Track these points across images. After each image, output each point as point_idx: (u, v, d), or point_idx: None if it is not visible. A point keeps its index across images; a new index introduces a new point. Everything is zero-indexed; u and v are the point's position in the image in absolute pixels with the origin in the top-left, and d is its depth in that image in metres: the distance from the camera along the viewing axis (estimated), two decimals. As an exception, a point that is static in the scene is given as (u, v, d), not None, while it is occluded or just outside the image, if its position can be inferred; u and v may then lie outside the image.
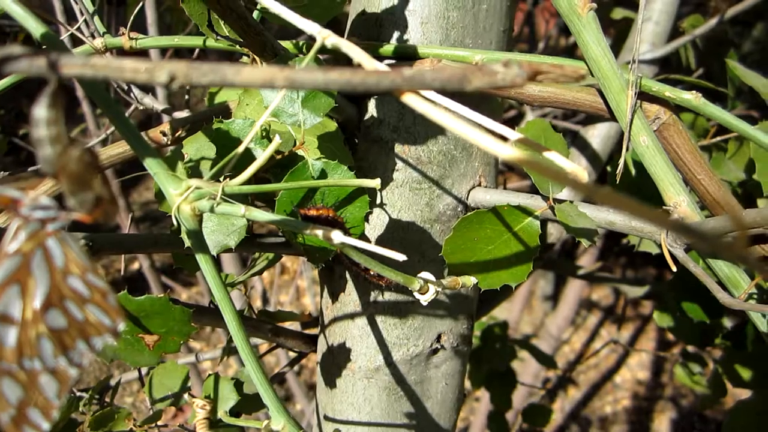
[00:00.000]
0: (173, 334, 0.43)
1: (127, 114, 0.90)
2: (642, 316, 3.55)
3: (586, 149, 0.89)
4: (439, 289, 0.45)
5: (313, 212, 0.42)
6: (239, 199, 0.39)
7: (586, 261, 2.30)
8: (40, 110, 0.21)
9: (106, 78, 0.22)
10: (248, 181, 0.40)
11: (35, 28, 0.38)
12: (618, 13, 1.05)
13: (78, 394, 0.89)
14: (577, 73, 0.25)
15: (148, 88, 0.82)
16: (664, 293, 0.93)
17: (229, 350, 0.81)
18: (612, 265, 3.45)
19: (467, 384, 1.35)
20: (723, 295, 0.44)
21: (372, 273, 0.47)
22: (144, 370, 0.95)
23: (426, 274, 0.44)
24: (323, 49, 0.55)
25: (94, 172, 0.22)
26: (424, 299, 0.45)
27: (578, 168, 0.30)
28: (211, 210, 0.38)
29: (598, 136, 0.90)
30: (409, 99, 0.25)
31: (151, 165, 0.38)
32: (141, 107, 0.77)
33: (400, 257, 0.36)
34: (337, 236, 0.37)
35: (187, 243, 0.47)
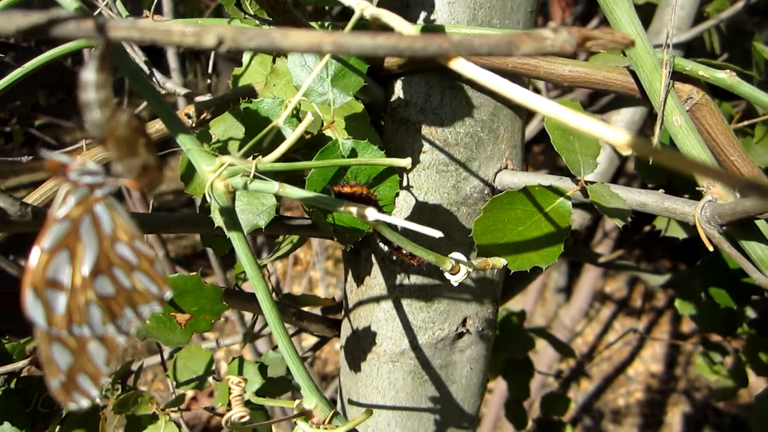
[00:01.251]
0: (205, 312, 0.43)
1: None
2: (656, 309, 3.54)
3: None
4: (470, 270, 0.44)
5: (347, 189, 0.42)
6: (270, 177, 0.39)
7: (602, 251, 2.29)
8: (89, 74, 0.21)
9: (153, 42, 0.22)
10: (279, 160, 0.40)
11: (69, 3, 0.37)
12: (640, -2, 1.03)
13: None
14: (626, 39, 0.24)
15: (167, 73, 0.81)
16: (688, 281, 0.92)
17: (251, 336, 0.81)
18: (627, 257, 3.43)
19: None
20: (758, 275, 0.44)
21: (404, 252, 0.47)
22: (166, 355, 0.96)
23: (457, 255, 0.44)
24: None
25: (142, 138, 0.22)
26: (455, 279, 0.44)
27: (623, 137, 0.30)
28: (245, 187, 0.38)
29: (622, 121, 0.89)
30: (458, 65, 0.24)
31: (185, 142, 0.37)
32: (163, 91, 0.77)
33: (436, 234, 0.36)
34: (372, 213, 0.37)
35: (218, 222, 0.47)
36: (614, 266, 1.01)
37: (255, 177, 0.38)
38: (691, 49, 0.98)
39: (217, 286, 0.45)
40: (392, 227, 0.40)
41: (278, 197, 0.48)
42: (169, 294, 0.26)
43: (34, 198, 0.45)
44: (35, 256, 0.24)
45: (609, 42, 0.24)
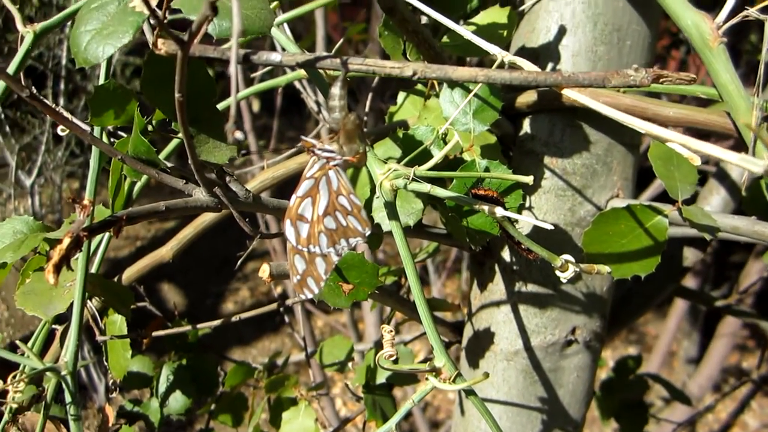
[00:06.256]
0: (364, 285, 0.56)
1: (316, 130, 1.07)
2: (800, 389, 3.27)
3: (725, 179, 0.93)
4: (577, 269, 0.54)
5: (481, 192, 0.54)
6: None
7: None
8: (336, 89, 0.35)
9: (374, 72, 0.35)
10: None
11: (292, 47, 0.53)
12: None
13: (254, 365, 1.06)
14: (689, 76, 0.35)
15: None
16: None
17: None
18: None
19: (597, 414, 1.37)
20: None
21: (523, 247, 0.57)
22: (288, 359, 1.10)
23: (566, 256, 0.54)
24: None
25: (361, 132, 0.36)
26: (564, 276, 0.54)
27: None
28: (405, 187, 0.51)
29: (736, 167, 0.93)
30: (567, 92, 0.36)
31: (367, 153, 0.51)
32: (327, 125, 0.94)
33: (549, 226, 0.46)
34: (500, 210, 0.49)
35: (377, 219, 0.61)
36: (731, 311, 1.04)
37: (413, 180, 0.51)
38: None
39: (375, 264, 0.58)
40: (516, 227, 0.51)
41: (424, 204, 0.61)
42: (368, 231, 0.39)
43: (251, 186, 0.61)
44: (293, 201, 0.38)
45: (676, 79, 0.35)
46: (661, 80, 0.35)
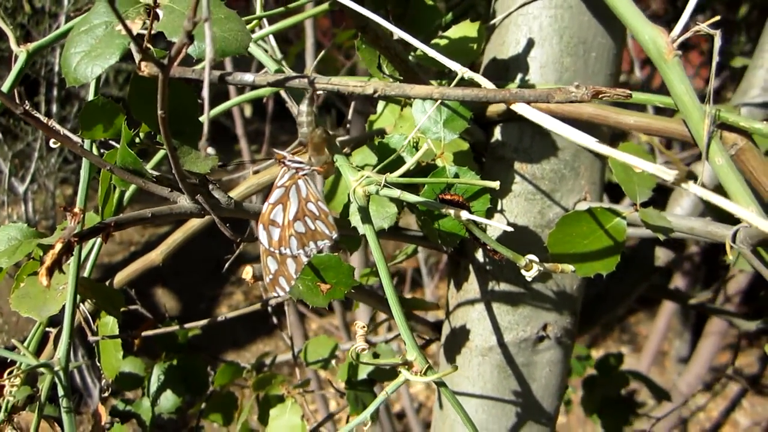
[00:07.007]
0: (341, 285, 0.59)
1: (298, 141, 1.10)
2: (789, 387, 3.32)
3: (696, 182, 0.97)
4: (541, 268, 0.58)
5: (448, 196, 0.57)
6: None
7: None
8: (303, 106, 0.38)
9: (339, 90, 0.39)
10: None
11: (271, 65, 0.56)
12: (738, 62, 1.12)
13: (242, 364, 1.09)
14: (625, 92, 0.38)
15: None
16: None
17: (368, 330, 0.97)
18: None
19: (581, 412, 1.41)
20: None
21: (489, 248, 0.61)
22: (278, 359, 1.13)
23: (531, 256, 0.57)
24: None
25: (328, 144, 0.39)
26: (529, 275, 0.58)
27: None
28: (377, 192, 0.54)
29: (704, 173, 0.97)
30: (516, 107, 0.39)
31: (340, 161, 0.55)
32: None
33: (508, 228, 0.50)
34: (465, 214, 0.52)
35: (354, 223, 0.64)
36: (704, 309, 1.07)
37: (384, 186, 0.54)
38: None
39: (350, 265, 0.61)
40: (480, 228, 0.55)
41: (399, 209, 0.64)
42: (336, 236, 0.42)
43: (237, 192, 0.65)
44: (265, 207, 0.42)
45: (614, 94, 0.38)
46: (600, 96, 0.38)
